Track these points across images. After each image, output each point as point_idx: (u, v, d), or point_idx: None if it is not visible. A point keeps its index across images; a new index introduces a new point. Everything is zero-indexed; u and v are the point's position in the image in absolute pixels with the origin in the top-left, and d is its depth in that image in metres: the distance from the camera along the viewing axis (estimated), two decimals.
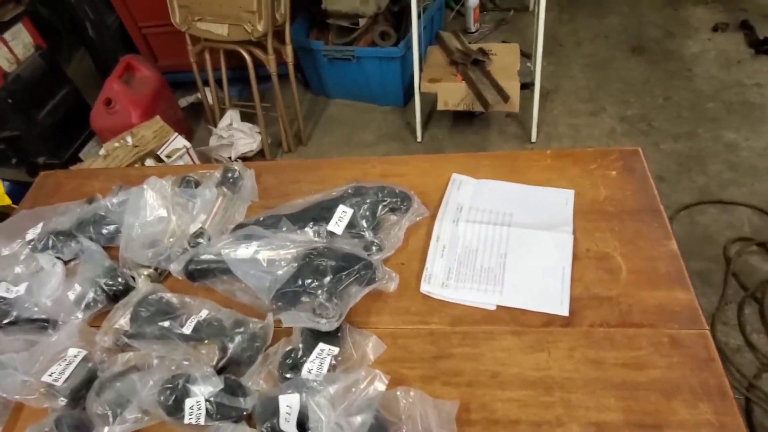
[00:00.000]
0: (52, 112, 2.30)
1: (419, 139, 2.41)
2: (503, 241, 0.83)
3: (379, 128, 2.54)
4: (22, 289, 0.89)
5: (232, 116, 2.46)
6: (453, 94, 2.22)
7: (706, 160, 2.08)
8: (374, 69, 2.44)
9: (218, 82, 2.51)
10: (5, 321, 0.85)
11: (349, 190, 0.88)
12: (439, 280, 0.80)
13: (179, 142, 1.98)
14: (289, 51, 2.26)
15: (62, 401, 0.74)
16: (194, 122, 2.76)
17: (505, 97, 2.07)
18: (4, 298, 0.87)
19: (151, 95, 2.34)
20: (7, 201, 2.02)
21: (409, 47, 2.30)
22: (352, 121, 2.61)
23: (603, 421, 0.65)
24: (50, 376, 0.74)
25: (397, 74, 2.44)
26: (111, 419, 0.71)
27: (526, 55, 2.53)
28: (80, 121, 2.37)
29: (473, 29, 2.91)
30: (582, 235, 0.83)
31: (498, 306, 0.77)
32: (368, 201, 0.86)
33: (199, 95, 2.68)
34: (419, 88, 2.25)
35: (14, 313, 0.86)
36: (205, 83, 2.52)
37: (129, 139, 1.96)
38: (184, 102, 2.82)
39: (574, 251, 0.81)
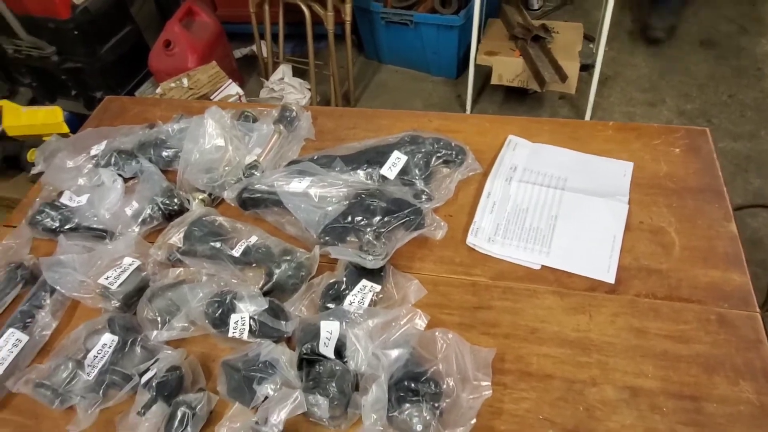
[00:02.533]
0: (114, 48, 2.36)
1: (468, 112, 2.38)
2: (555, 204, 0.82)
3: (428, 98, 2.52)
4: (83, 199, 0.93)
5: (284, 70, 2.47)
6: (509, 68, 2.17)
7: (765, 164, 1.99)
8: (431, 36, 2.41)
9: (274, 37, 2.52)
10: (67, 226, 0.89)
11: (406, 138, 0.88)
12: (486, 235, 0.80)
13: (233, 88, 2.01)
14: (348, 9, 2.25)
15: (115, 304, 0.77)
16: (246, 74, 2.79)
17: (563, 77, 2.02)
18: (67, 206, 0.92)
19: (208, 41, 2.37)
20: (66, 129, 2.10)
21: (469, 17, 2.25)
22: (402, 88, 2.59)
23: (639, 386, 0.65)
24: (106, 279, 0.78)
25: (454, 44, 2.40)
26: (160, 325, 0.75)
27: (588, 38, 2.45)
28: (139, 60, 2.43)
29: (536, 6, 2.83)
30: (637, 207, 0.82)
31: (543, 266, 0.77)
32: (423, 150, 0.87)
33: (253, 48, 2.70)
34: (475, 60, 2.21)
35: (75, 221, 0.90)
36: (261, 37, 2.54)
37: (185, 81, 2.00)
38: (238, 53, 2.84)
39: (627, 222, 0.80)
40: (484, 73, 2.26)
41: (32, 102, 2.61)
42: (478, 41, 2.20)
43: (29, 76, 2.49)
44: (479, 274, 0.78)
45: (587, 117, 2.20)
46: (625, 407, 0.64)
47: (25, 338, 0.77)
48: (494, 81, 2.21)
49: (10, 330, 0.76)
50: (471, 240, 0.80)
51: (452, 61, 2.50)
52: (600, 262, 0.75)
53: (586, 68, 2.19)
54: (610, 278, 0.74)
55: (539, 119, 0.98)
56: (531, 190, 0.85)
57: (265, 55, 2.58)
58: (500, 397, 0.66)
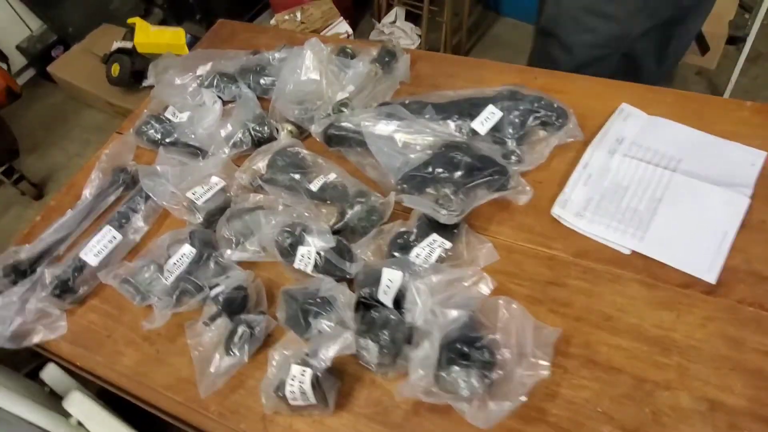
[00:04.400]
0: None
1: None
2: (661, 186, 0.73)
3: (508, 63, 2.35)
4: (185, 116, 0.97)
5: (398, 13, 2.41)
6: None
7: None
8: None
9: None
10: (168, 140, 0.95)
11: (504, 92, 0.82)
12: (575, 208, 0.74)
13: (342, 26, 2.00)
14: None
15: (198, 218, 0.82)
16: (359, 15, 2.76)
17: (705, 48, 1.78)
18: (170, 121, 0.97)
19: None
20: (186, 51, 2.22)
21: None
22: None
23: (721, 401, 0.58)
24: (193, 194, 0.82)
25: None
26: (234, 245, 0.78)
27: (744, 7, 2.12)
28: None
29: None
30: (761, 204, 0.70)
31: (633, 251, 0.70)
32: (521, 108, 0.80)
33: None
34: None
35: (175, 135, 0.95)
36: None
37: (298, 15, 2.02)
38: None
39: (745, 218, 0.69)
40: None
41: (162, 23, 2.79)
42: None
43: None
44: (559, 248, 0.72)
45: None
46: (699, 420, 0.57)
47: (119, 237, 0.84)
48: None
49: (108, 227, 0.83)
50: (556, 211, 0.74)
51: None
52: (702, 258, 0.66)
53: (734, 41, 1.91)
54: (711, 278, 0.65)
55: (660, 89, 0.86)
56: (636, 166, 0.76)
57: None
58: (558, 381, 0.62)
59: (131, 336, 0.77)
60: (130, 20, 2.21)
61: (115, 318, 0.79)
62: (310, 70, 0.93)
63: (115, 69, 2.33)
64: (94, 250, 0.81)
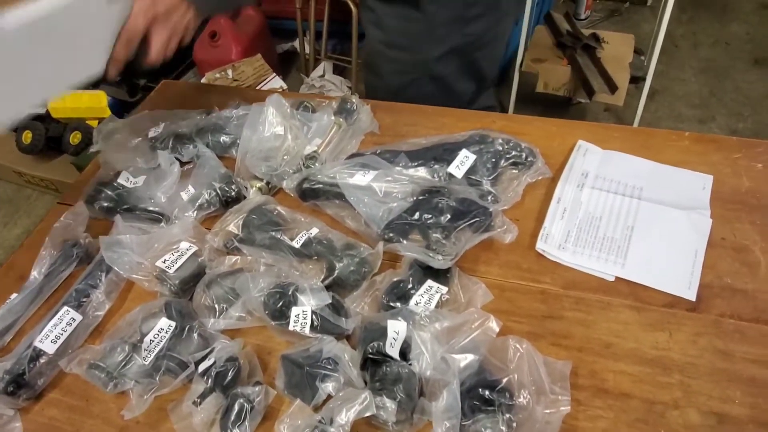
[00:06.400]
0: None
1: None
2: (631, 214, 0.78)
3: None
4: (140, 181, 0.92)
5: (326, 67, 2.47)
6: (555, 76, 2.13)
7: None
8: None
9: (318, 34, 2.52)
10: (123, 206, 0.88)
11: (475, 137, 0.85)
12: (556, 242, 0.77)
13: (276, 82, 2.00)
14: None
15: (172, 288, 0.76)
16: (286, 70, 2.79)
17: (614, 88, 1.97)
18: (124, 186, 0.91)
19: (253, 34, 2.38)
20: (108, 113, 2.12)
21: (517, 23, 2.22)
22: None
23: (726, 413, 0.61)
24: (164, 262, 0.76)
25: None
26: (217, 313, 0.73)
27: (637, 51, 2.39)
28: (183, 50, 2.44)
29: (583, 16, 2.78)
30: (718, 222, 0.77)
31: (617, 277, 0.73)
32: (492, 150, 0.83)
33: (295, 44, 2.71)
34: (521, 67, 2.17)
35: (131, 202, 0.89)
36: (304, 33, 2.54)
37: (230, 73, 2.00)
38: (279, 48, 2.85)
39: (708, 238, 0.75)
40: (527, 81, 2.22)
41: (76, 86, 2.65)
42: (525, 48, 2.17)
43: None
44: (549, 282, 0.74)
45: None
46: None
47: (79, 317, 0.75)
48: (539, 89, 2.18)
49: (65, 308, 0.75)
50: (540, 246, 0.76)
51: None
52: (680, 278, 0.71)
53: (635, 81, 2.14)
54: (691, 295, 0.70)
55: (608, 125, 0.94)
56: (605, 197, 0.81)
57: (307, 51, 2.58)
58: (575, 414, 0.62)
59: (105, 429, 0.68)
60: None
61: (83, 410, 0.70)
62: (273, 125, 0.91)
63: (27, 136, 2.18)
64: (51, 336, 0.73)
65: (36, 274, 0.80)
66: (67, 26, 0.73)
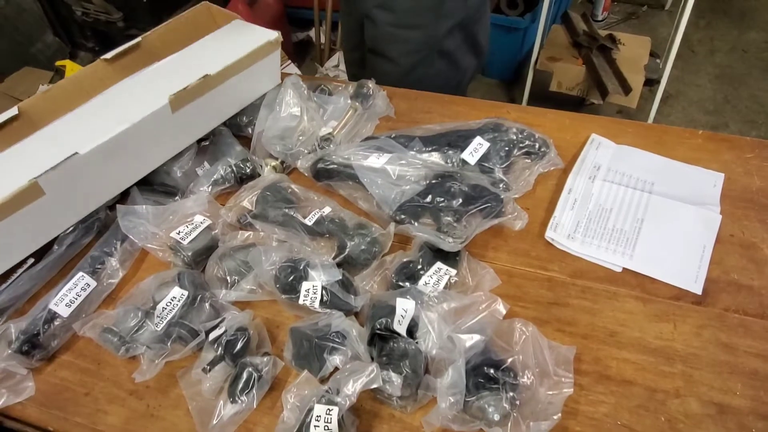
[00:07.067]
0: None
1: None
2: (641, 207, 0.79)
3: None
4: None
5: (340, 58, 2.48)
6: (570, 76, 2.13)
7: None
8: (494, 37, 2.37)
9: (333, 24, 2.52)
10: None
11: (489, 125, 0.86)
12: (566, 231, 0.77)
13: (291, 69, 2.02)
14: None
15: (185, 259, 0.77)
16: (300, 59, 2.80)
17: (627, 89, 1.97)
18: None
19: (270, 22, 2.38)
20: None
21: (534, 20, 2.22)
22: None
23: (727, 403, 0.61)
24: (178, 233, 0.78)
25: (516, 46, 2.36)
26: (228, 285, 0.74)
27: (653, 55, 2.38)
28: None
29: (600, 17, 2.77)
30: (728, 219, 0.78)
31: (624, 269, 0.74)
32: (506, 139, 0.84)
33: (310, 33, 2.71)
34: (535, 64, 2.17)
35: (148, 176, 0.90)
36: (320, 23, 2.54)
37: None
38: (295, 38, 2.86)
39: (717, 234, 0.76)
40: (541, 80, 2.22)
41: None
42: (541, 46, 2.17)
43: (93, 40, 2.54)
44: (556, 270, 0.75)
45: None
46: (711, 423, 0.60)
47: (93, 283, 0.77)
48: (553, 88, 2.17)
49: (80, 274, 0.77)
50: (549, 234, 0.77)
51: (511, 63, 2.46)
52: (688, 271, 0.72)
53: (650, 84, 2.13)
54: (698, 289, 0.70)
55: (622, 120, 0.94)
56: (615, 190, 0.81)
57: (322, 41, 2.58)
58: (576, 398, 0.63)
59: (115, 392, 0.70)
60: (59, 63, 2.09)
61: (93, 373, 0.72)
62: (290, 106, 0.92)
63: None
64: (66, 300, 0.74)
65: (57, 246, 0.81)
66: None
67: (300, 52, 2.83)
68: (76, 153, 0.74)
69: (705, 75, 2.46)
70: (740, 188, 0.82)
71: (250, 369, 0.65)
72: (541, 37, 2.13)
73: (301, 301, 0.69)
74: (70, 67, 2.15)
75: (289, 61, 2.03)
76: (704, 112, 2.29)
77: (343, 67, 2.48)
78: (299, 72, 2.03)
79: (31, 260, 0.81)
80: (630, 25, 2.79)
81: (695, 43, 2.64)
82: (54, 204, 0.76)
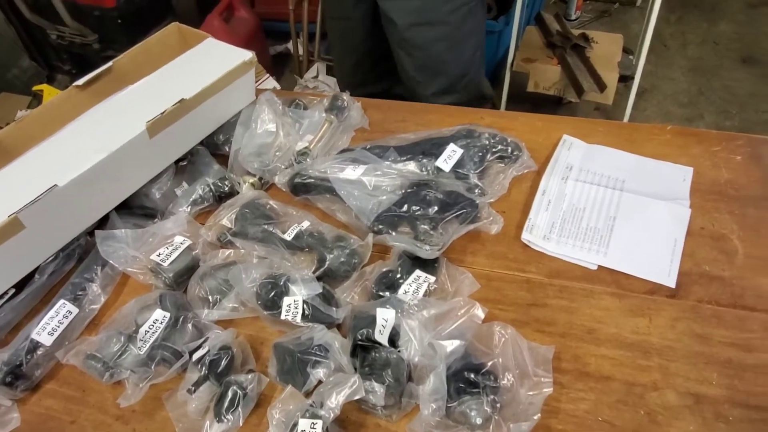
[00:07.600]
0: None
1: None
2: (613, 205, 0.80)
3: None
4: None
5: (319, 68, 2.49)
6: (546, 76, 2.16)
7: None
8: None
9: (311, 35, 2.54)
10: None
11: (462, 131, 0.87)
12: (541, 232, 0.79)
13: (270, 83, 2.02)
14: None
15: (166, 280, 0.77)
16: (279, 71, 2.81)
17: (602, 86, 2.00)
18: None
19: (246, 37, 2.39)
20: None
21: (508, 23, 2.25)
22: None
23: (703, 393, 0.63)
24: (158, 256, 0.78)
25: (492, 49, 2.38)
26: (210, 304, 0.74)
27: (627, 51, 2.42)
28: None
29: (573, 17, 2.81)
30: (698, 212, 0.80)
31: (600, 266, 0.75)
32: (479, 144, 0.85)
33: (288, 45, 2.72)
34: (512, 66, 2.20)
35: (126, 199, 0.90)
36: (297, 35, 2.55)
37: None
38: (273, 50, 2.87)
39: (688, 227, 0.78)
40: (517, 81, 2.24)
41: None
42: (516, 48, 2.19)
43: (69, 63, 2.53)
44: (534, 271, 0.77)
45: None
46: (689, 414, 0.62)
47: (75, 310, 0.77)
48: (530, 88, 2.20)
49: (62, 301, 0.77)
50: (525, 236, 0.79)
51: (488, 66, 2.48)
52: (661, 266, 0.73)
53: (624, 80, 2.17)
54: (671, 282, 0.72)
55: (593, 120, 0.96)
56: (588, 189, 0.83)
57: (300, 53, 2.59)
58: (557, 397, 0.64)
59: (101, 418, 0.70)
60: (35, 87, 2.08)
61: (79, 400, 0.72)
62: (265, 122, 0.93)
63: None
64: (48, 328, 0.74)
65: (38, 275, 0.81)
66: None
67: (278, 65, 2.84)
68: (56, 185, 0.74)
69: (678, 68, 2.50)
70: (709, 181, 0.84)
71: (235, 387, 0.65)
72: (516, 39, 2.16)
73: (283, 317, 0.70)
74: (48, 91, 2.14)
75: (267, 75, 2.03)
76: (679, 105, 2.33)
77: (323, 77, 2.49)
78: (278, 85, 2.04)
79: (12, 290, 0.80)
80: (603, 23, 2.84)
81: (667, 37, 2.68)
82: (35, 236, 0.76)
